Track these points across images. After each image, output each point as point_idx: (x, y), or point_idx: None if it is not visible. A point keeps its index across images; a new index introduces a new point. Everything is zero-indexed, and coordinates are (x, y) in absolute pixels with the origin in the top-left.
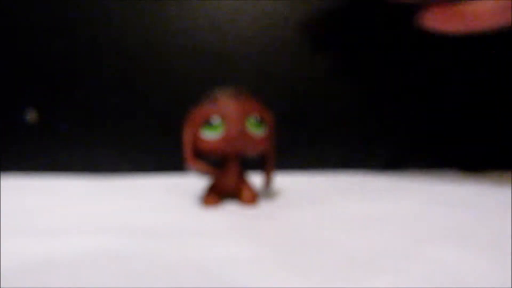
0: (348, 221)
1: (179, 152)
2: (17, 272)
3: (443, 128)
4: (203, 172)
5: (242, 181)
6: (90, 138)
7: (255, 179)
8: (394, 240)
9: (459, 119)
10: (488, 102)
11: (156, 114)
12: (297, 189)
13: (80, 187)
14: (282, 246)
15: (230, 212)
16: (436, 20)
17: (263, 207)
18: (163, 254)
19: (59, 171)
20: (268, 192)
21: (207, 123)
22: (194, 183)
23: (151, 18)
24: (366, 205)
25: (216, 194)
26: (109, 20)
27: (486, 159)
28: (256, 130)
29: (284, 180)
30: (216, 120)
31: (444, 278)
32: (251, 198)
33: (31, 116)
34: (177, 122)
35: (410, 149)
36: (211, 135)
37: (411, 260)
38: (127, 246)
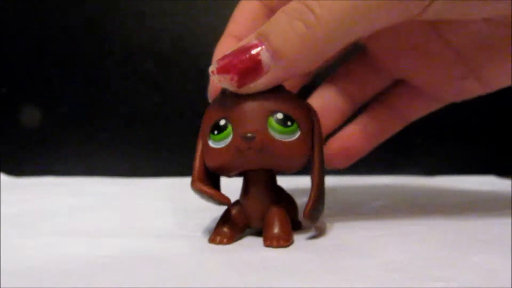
0: (385, 227)
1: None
2: (35, 272)
3: (479, 133)
4: (208, 197)
5: (273, 209)
6: (112, 142)
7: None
8: (436, 247)
9: (495, 124)
10: None
11: (180, 117)
12: (334, 192)
13: (103, 189)
14: (321, 252)
15: None
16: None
17: None
18: (184, 256)
19: (83, 174)
20: (310, 224)
21: (213, 128)
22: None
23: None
24: (405, 211)
25: (228, 228)
26: (116, 21)
27: None
28: (281, 135)
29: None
30: (222, 122)
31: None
32: (273, 239)
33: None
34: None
35: (446, 155)
36: (216, 145)
37: (458, 268)
38: (146, 248)
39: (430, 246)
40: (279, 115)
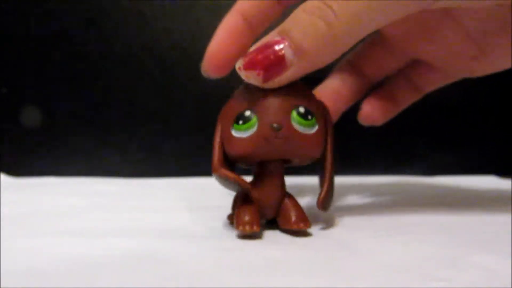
0: (385, 227)
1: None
2: (35, 272)
3: (479, 134)
4: (230, 182)
5: (286, 198)
6: (113, 142)
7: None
8: (436, 247)
9: (495, 124)
10: None
11: (187, 116)
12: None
13: (104, 189)
14: (322, 252)
15: None
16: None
17: None
18: (184, 256)
19: (87, 174)
20: (323, 212)
21: (237, 118)
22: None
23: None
24: (405, 211)
25: (252, 216)
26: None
27: None
28: (302, 127)
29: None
30: (247, 114)
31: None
32: (299, 221)
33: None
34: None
35: (446, 155)
36: (241, 134)
37: (458, 268)
38: (147, 248)
39: (430, 246)
40: (301, 109)
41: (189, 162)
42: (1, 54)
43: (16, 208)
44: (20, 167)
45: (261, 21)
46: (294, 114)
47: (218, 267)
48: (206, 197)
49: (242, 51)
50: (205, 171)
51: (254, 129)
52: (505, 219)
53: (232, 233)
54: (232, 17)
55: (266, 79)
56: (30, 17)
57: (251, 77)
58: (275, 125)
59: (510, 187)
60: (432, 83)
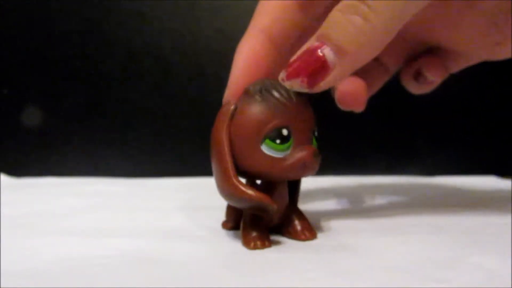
0: (386, 228)
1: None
2: (35, 272)
3: (479, 134)
4: (255, 202)
5: (292, 210)
6: (113, 142)
7: None
8: (437, 247)
9: (495, 124)
10: None
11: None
12: (335, 193)
13: (104, 189)
14: (322, 252)
15: None
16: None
17: None
18: (185, 257)
19: (90, 174)
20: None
21: (274, 136)
22: None
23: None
24: (405, 211)
25: (261, 231)
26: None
27: None
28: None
29: (322, 184)
30: (285, 133)
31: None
32: (305, 232)
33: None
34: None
35: (447, 155)
36: (274, 153)
37: (458, 268)
38: (147, 248)
39: (430, 246)
40: (316, 133)
41: (189, 162)
42: (1, 54)
43: (16, 208)
44: (20, 167)
45: (286, 37)
46: (313, 137)
47: (219, 267)
48: (206, 197)
49: (268, 75)
50: (205, 171)
51: (289, 151)
52: (504, 220)
53: (232, 234)
54: (254, 38)
55: (311, 85)
56: (31, 18)
57: (295, 85)
58: (317, 152)
59: (510, 187)
60: (455, 66)
